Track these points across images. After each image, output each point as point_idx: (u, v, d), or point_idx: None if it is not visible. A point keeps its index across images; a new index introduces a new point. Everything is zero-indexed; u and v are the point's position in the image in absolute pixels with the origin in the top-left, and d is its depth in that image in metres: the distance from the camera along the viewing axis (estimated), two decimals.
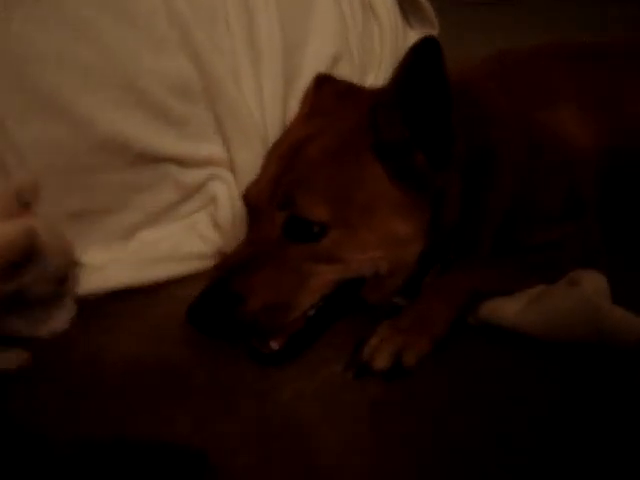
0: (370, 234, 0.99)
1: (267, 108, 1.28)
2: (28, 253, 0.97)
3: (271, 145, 1.14)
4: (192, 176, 1.28)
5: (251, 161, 1.20)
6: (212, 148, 1.27)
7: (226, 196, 1.27)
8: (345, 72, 1.40)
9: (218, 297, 0.95)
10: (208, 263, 1.23)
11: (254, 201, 1.03)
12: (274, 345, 0.99)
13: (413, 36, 1.70)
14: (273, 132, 1.27)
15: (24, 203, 1.06)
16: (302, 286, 0.97)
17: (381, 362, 0.97)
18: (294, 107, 1.27)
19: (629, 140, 1.15)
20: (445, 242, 1.07)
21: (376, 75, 1.54)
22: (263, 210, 1.00)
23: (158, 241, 1.26)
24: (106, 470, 0.83)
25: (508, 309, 1.04)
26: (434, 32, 1.72)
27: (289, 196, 0.97)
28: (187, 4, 1.18)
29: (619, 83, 1.20)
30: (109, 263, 1.20)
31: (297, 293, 0.97)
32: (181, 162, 1.26)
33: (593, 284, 1.04)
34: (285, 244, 0.97)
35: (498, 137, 1.09)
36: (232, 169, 1.28)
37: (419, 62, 0.92)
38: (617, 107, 1.17)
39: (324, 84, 1.21)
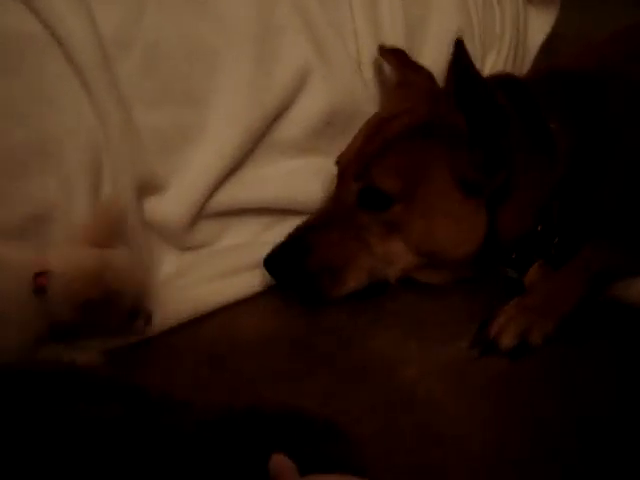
0: (425, 220, 1.04)
1: None
2: (101, 291, 0.89)
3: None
4: None
5: None
6: None
7: None
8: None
9: (291, 247, 1.06)
10: None
11: (340, 169, 1.13)
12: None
13: (533, 12, 1.64)
14: None
15: (111, 233, 0.97)
16: (362, 250, 1.06)
17: (507, 341, 0.98)
18: None
19: None
20: (526, 241, 1.08)
21: (498, 53, 1.51)
22: (345, 178, 1.09)
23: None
24: (241, 437, 0.85)
25: (637, 288, 1.03)
26: (555, 8, 1.66)
27: (366, 168, 1.05)
28: None
29: None
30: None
31: (356, 257, 1.05)
32: None
33: None
34: (356, 211, 1.06)
35: (613, 123, 1.07)
36: None
37: (456, 64, 0.98)
38: None
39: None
